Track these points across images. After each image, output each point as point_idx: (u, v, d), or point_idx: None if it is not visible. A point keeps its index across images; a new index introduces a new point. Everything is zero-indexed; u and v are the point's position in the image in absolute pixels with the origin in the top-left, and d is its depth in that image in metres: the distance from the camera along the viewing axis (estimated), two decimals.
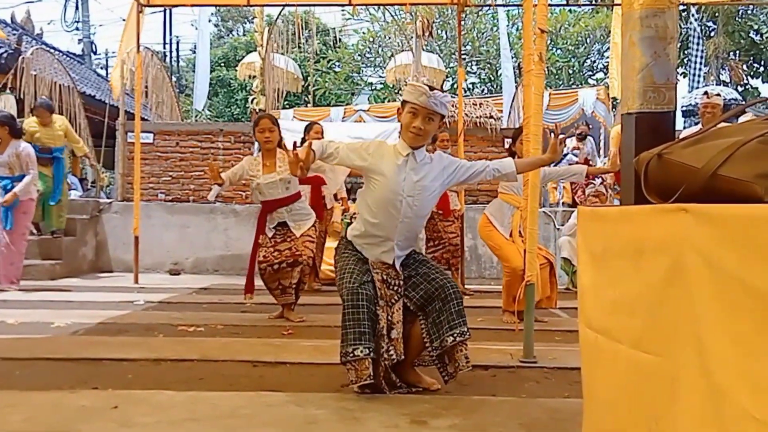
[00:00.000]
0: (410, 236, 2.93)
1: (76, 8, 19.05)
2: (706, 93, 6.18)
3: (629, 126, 1.57)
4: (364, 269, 2.86)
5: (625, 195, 1.57)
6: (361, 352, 2.67)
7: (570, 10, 17.69)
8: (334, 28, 18.21)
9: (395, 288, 2.87)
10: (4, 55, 9.56)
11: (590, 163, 8.71)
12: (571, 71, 18.23)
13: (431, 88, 2.77)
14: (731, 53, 15.57)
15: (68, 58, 14.11)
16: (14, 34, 11.31)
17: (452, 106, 9.38)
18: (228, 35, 25.19)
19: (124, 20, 10.51)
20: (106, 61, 23.01)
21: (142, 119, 7.74)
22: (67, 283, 7.03)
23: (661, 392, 1.18)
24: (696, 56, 13.03)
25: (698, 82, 13.13)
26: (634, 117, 1.54)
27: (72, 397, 2.69)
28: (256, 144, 5.91)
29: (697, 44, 13.09)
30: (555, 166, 8.76)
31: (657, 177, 1.35)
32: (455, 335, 2.80)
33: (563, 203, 8.89)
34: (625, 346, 1.28)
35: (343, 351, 2.70)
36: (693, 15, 13.21)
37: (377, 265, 2.89)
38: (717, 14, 15.15)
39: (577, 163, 8.53)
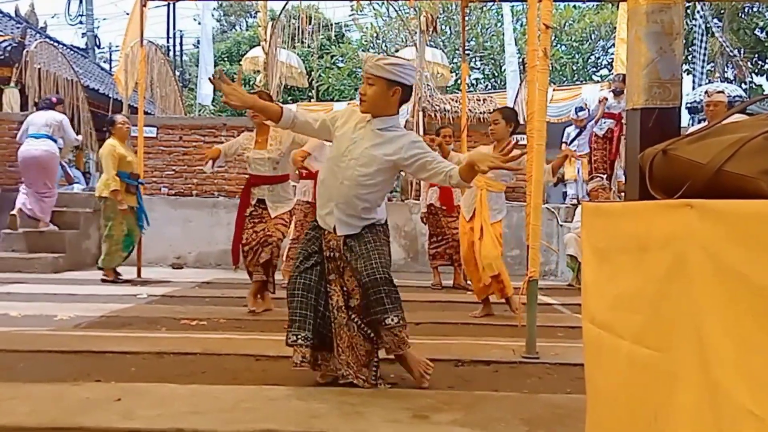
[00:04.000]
0: (351, 204, 2.84)
1: (80, 2, 19.04)
2: (706, 92, 6.24)
3: (634, 121, 1.57)
4: (312, 250, 2.93)
5: (630, 190, 1.57)
6: (290, 338, 2.84)
7: (574, 6, 17.62)
8: (338, 23, 18.20)
9: (338, 262, 2.89)
10: (9, 48, 9.57)
11: (623, 122, 8.50)
12: (575, 67, 18.18)
13: (383, 57, 2.85)
14: (736, 50, 15.51)
15: (72, 52, 14.11)
16: (18, 28, 11.32)
17: (455, 101, 9.39)
18: (231, 30, 25.15)
19: (127, 14, 10.53)
20: (110, 54, 23.00)
21: (146, 113, 7.74)
22: (70, 276, 7.05)
23: (661, 387, 1.18)
24: (700, 53, 12.98)
25: (702, 79, 13.09)
26: (639, 112, 1.54)
27: (75, 389, 2.70)
28: None
29: (702, 41, 13.04)
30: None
31: (662, 173, 1.34)
32: (381, 318, 2.83)
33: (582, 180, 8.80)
34: (626, 341, 1.28)
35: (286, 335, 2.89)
36: (698, 11, 13.15)
37: (327, 237, 2.91)
38: (722, 11, 15.08)
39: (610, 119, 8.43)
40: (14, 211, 7.71)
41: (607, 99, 8.47)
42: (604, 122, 8.50)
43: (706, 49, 13.25)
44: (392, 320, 2.81)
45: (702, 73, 13.14)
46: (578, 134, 9.04)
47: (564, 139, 9.17)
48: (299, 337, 2.82)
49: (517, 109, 10.55)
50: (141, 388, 2.74)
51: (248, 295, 4.85)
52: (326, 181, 2.93)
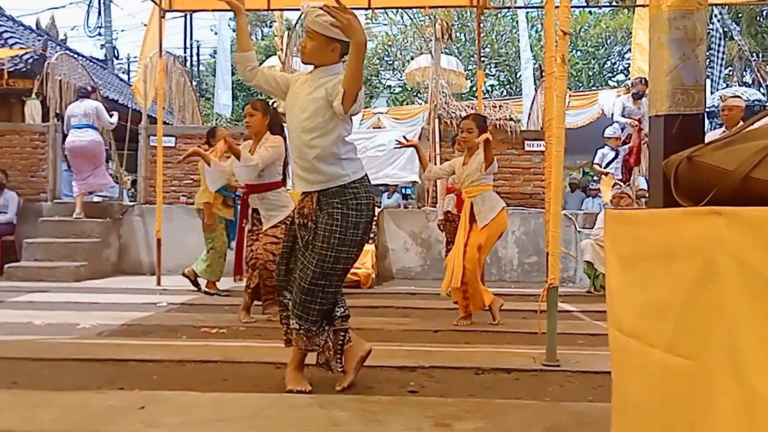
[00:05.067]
0: (303, 155, 2.85)
1: (99, 14, 19.29)
2: (721, 97, 6.19)
3: (657, 128, 1.56)
4: (292, 232, 3.02)
5: (654, 197, 1.56)
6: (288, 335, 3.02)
7: (590, 12, 17.57)
8: None
9: (309, 229, 2.89)
10: (30, 60, 9.72)
11: (641, 127, 8.06)
12: (590, 73, 18.11)
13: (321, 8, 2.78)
14: (754, 54, 15.35)
15: (91, 63, 14.30)
16: (39, 40, 11.50)
17: (471, 108, 9.38)
18: None
19: (145, 25, 10.65)
20: (128, 65, 23.28)
21: (164, 123, 7.82)
22: (90, 284, 7.12)
23: (697, 397, 1.17)
24: (718, 57, 12.86)
25: (720, 83, 12.97)
26: (663, 119, 1.53)
27: (99, 397, 2.73)
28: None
29: (719, 45, 12.93)
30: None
31: (687, 180, 1.34)
32: (294, 320, 2.89)
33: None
34: (656, 349, 1.27)
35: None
36: (715, 15, 13.04)
37: (300, 205, 2.94)
38: (740, 15, 14.95)
39: (629, 125, 8.12)
40: (77, 212, 8.20)
41: (639, 127, 8.09)
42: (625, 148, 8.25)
43: (723, 53, 13.12)
44: (293, 324, 2.90)
45: (720, 78, 13.02)
46: (615, 157, 8.45)
47: (597, 161, 8.70)
48: (282, 319, 3.05)
49: (533, 115, 10.56)
50: (164, 395, 2.76)
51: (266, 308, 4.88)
52: (289, 141, 3.06)
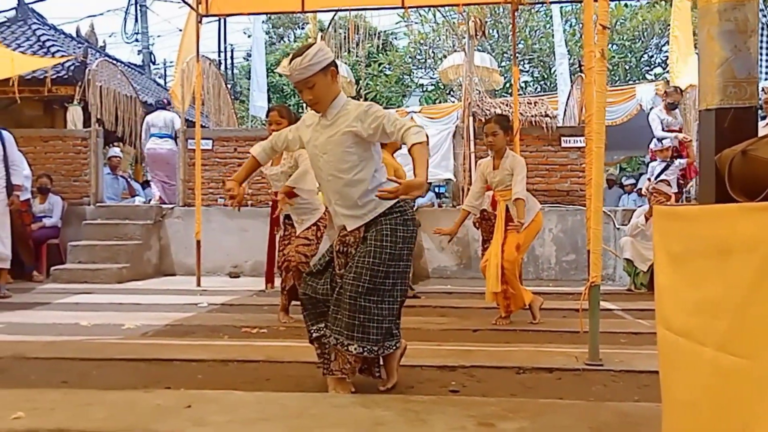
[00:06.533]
0: (345, 195, 2.82)
1: (136, 20, 19.68)
2: (763, 89, 5.99)
3: (708, 122, 1.53)
4: (327, 256, 2.98)
5: (705, 193, 1.53)
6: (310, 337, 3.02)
7: (626, 5, 17.25)
8: (385, 31, 18.30)
9: (350, 256, 2.86)
10: (72, 68, 9.97)
11: (684, 138, 7.88)
12: (627, 67, 17.77)
13: (296, 56, 2.75)
14: None
15: (130, 69, 14.61)
16: (80, 48, 11.79)
17: (505, 105, 9.30)
18: (279, 42, 25.59)
19: (180, 30, 10.82)
20: (164, 70, 23.71)
21: (202, 126, 7.94)
22: (133, 286, 7.28)
23: (751, 396, 1.14)
24: (763, 48, 12.49)
25: (763, 75, 12.59)
26: (714, 113, 1.50)
27: (147, 396, 2.79)
28: None
29: (763, 36, 12.55)
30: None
31: (742, 174, 1.31)
32: (336, 338, 2.78)
33: None
34: (709, 348, 1.24)
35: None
36: (759, 5, 12.67)
37: (341, 233, 2.92)
38: None
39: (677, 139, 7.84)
40: (154, 201, 9.17)
41: (689, 140, 7.82)
42: (681, 162, 7.94)
43: (767, 44, 12.74)
44: (354, 349, 2.74)
45: (764, 69, 12.64)
46: (665, 169, 7.97)
47: (648, 175, 8.29)
48: (311, 335, 2.99)
49: (569, 111, 10.42)
50: (209, 395, 2.81)
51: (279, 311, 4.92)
52: (321, 186, 3.00)
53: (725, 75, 1.48)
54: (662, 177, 7.44)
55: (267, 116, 4.77)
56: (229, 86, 14.42)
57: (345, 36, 11.20)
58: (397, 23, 19.49)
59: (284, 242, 4.77)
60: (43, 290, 6.79)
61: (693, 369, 1.34)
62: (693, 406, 1.35)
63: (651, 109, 9.02)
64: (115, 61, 12.04)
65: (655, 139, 8.16)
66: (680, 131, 7.94)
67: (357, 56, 14.95)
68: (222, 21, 19.21)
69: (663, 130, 7.92)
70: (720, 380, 1.22)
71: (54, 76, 9.64)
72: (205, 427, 2.37)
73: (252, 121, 16.21)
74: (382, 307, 2.76)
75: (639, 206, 9.66)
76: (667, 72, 11.16)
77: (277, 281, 5.01)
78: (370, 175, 2.81)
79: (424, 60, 18.87)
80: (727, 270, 1.22)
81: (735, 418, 1.17)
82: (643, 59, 18.42)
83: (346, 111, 2.82)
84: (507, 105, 9.10)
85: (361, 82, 15.72)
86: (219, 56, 21.14)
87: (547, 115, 8.56)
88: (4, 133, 6.27)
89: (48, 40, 11.42)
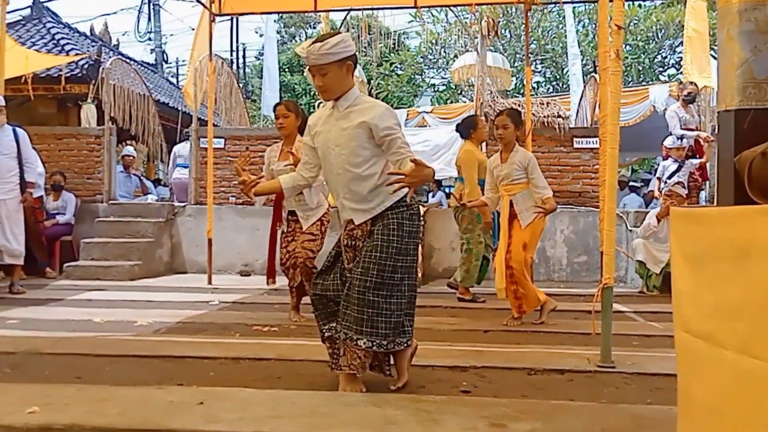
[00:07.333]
0: (355, 189, 2.82)
1: (149, 19, 19.82)
2: None
3: (727, 123, 1.51)
4: (335, 251, 2.99)
5: (724, 195, 1.52)
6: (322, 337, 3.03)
7: (639, 5, 17.13)
8: (396, 31, 18.30)
9: (358, 249, 2.87)
10: (86, 66, 10.04)
11: (708, 137, 7.62)
12: (640, 68, 17.66)
13: (317, 41, 2.78)
14: None
15: (143, 68, 14.69)
16: (94, 46, 11.88)
17: (517, 105, 9.27)
18: (291, 41, 25.64)
19: (193, 29, 10.89)
20: (177, 69, 23.83)
21: (214, 125, 7.97)
22: (145, 283, 7.32)
23: None
24: None
25: None
26: (733, 114, 1.49)
27: (160, 392, 2.80)
28: None
29: None
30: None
31: (761, 176, 1.30)
32: (345, 333, 2.80)
33: None
34: (730, 351, 1.23)
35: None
36: None
37: (348, 227, 2.93)
38: None
39: (688, 133, 7.62)
40: None
41: (706, 140, 7.61)
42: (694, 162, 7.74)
43: None
44: (363, 343, 2.76)
45: None
46: (677, 169, 7.68)
47: (659, 175, 8.07)
48: (323, 338, 3.01)
49: (582, 112, 10.37)
50: (221, 392, 2.82)
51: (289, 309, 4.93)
52: (328, 180, 2.98)
53: (745, 76, 1.47)
54: (675, 179, 7.33)
55: (274, 110, 4.77)
56: (241, 85, 14.49)
57: (357, 36, 11.21)
58: (409, 23, 19.50)
59: (287, 239, 4.74)
60: (56, 286, 6.84)
61: (713, 372, 1.33)
62: (713, 409, 1.33)
63: (666, 108, 8.88)
64: (128, 60, 12.11)
65: (671, 137, 7.99)
66: (697, 129, 7.79)
67: (369, 56, 14.98)
68: (234, 20, 19.28)
69: (681, 128, 7.77)
70: (741, 383, 1.21)
71: (68, 75, 9.72)
72: (218, 424, 2.38)
73: (264, 120, 16.26)
74: (390, 301, 2.78)
75: (638, 206, 9.62)
76: (681, 73, 11.09)
77: (279, 278, 5.02)
78: (380, 169, 2.83)
79: (435, 60, 18.85)
80: (746, 272, 1.21)
81: (756, 422, 1.16)
82: (656, 60, 18.30)
83: (359, 106, 2.83)
84: (519, 105, 9.06)
85: (372, 81, 15.73)
86: (231, 55, 21.21)
87: (559, 116, 8.52)
88: (19, 130, 6.32)
89: (62, 38, 11.51)
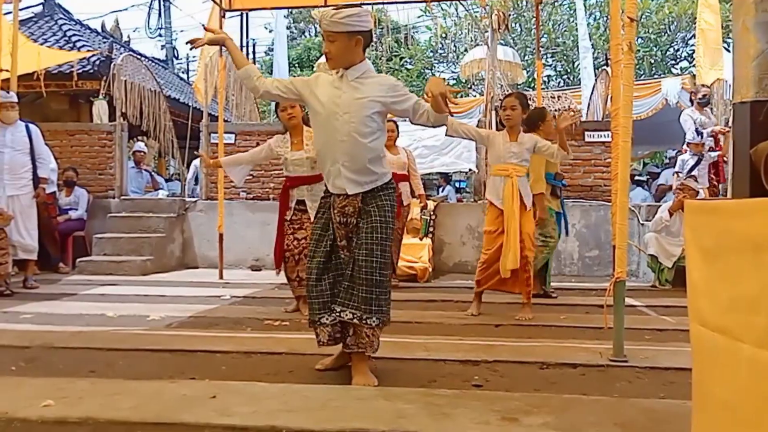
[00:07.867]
0: (356, 158, 2.87)
1: (159, 15, 19.89)
2: None
3: (743, 116, 1.50)
4: (324, 227, 2.99)
5: (739, 187, 1.50)
6: (309, 321, 3.04)
7: None
8: (406, 25, 18.25)
9: (351, 226, 2.92)
10: (97, 62, 10.09)
11: (723, 129, 7.66)
12: (652, 60, 17.52)
13: (334, 8, 2.86)
14: None
15: (153, 64, 14.74)
16: (105, 42, 11.93)
17: (528, 99, 9.22)
18: (300, 36, 25.64)
19: (203, 25, 10.89)
20: (187, 65, 23.89)
21: (224, 121, 7.99)
22: (157, 278, 7.37)
23: None
24: None
25: None
26: (749, 105, 1.47)
27: (173, 386, 2.82)
28: None
29: None
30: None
31: None
32: (353, 313, 2.86)
33: None
34: (746, 345, 1.22)
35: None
36: None
37: (337, 203, 2.93)
38: None
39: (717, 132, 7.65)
40: None
41: (724, 131, 7.60)
42: (712, 156, 7.70)
43: None
44: (374, 321, 2.86)
45: None
46: (697, 163, 7.63)
47: (677, 169, 7.98)
48: (312, 322, 3.01)
49: (593, 105, 10.31)
50: (234, 386, 2.83)
51: (294, 309, 4.95)
52: (326, 144, 2.95)
53: (761, 67, 1.45)
54: (695, 172, 7.29)
55: (279, 103, 4.79)
56: None
57: None
58: (419, 17, 19.43)
59: (293, 226, 4.74)
60: (69, 281, 6.90)
61: (730, 366, 1.32)
62: (729, 403, 1.32)
63: (678, 102, 8.81)
64: (139, 56, 12.15)
65: (689, 131, 7.95)
66: (717, 136, 7.76)
67: (379, 51, 14.94)
68: (244, 16, 19.28)
69: (696, 130, 7.74)
70: (759, 377, 1.20)
71: (80, 71, 9.76)
72: (231, 417, 2.39)
73: (273, 115, 16.28)
74: (388, 279, 2.96)
75: (642, 199, 9.56)
76: (693, 66, 10.99)
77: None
78: (381, 144, 2.97)
79: (446, 54, 18.79)
80: (763, 265, 1.20)
81: None
82: (668, 53, 18.14)
83: (370, 78, 2.89)
84: (530, 99, 9.02)
85: None
86: (241, 51, 21.16)
87: (570, 110, 8.47)
88: (31, 126, 6.37)
89: (74, 35, 11.57)
